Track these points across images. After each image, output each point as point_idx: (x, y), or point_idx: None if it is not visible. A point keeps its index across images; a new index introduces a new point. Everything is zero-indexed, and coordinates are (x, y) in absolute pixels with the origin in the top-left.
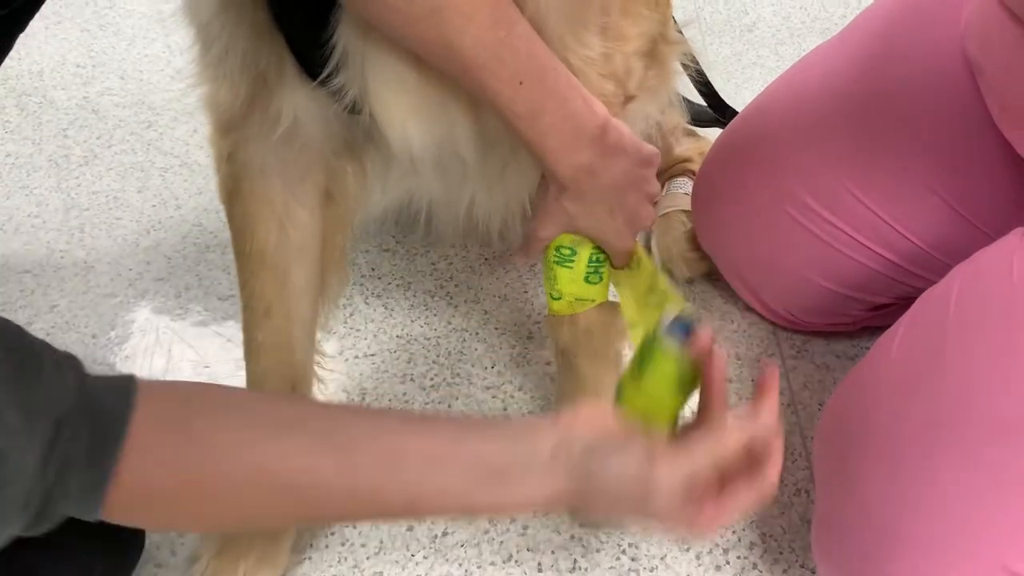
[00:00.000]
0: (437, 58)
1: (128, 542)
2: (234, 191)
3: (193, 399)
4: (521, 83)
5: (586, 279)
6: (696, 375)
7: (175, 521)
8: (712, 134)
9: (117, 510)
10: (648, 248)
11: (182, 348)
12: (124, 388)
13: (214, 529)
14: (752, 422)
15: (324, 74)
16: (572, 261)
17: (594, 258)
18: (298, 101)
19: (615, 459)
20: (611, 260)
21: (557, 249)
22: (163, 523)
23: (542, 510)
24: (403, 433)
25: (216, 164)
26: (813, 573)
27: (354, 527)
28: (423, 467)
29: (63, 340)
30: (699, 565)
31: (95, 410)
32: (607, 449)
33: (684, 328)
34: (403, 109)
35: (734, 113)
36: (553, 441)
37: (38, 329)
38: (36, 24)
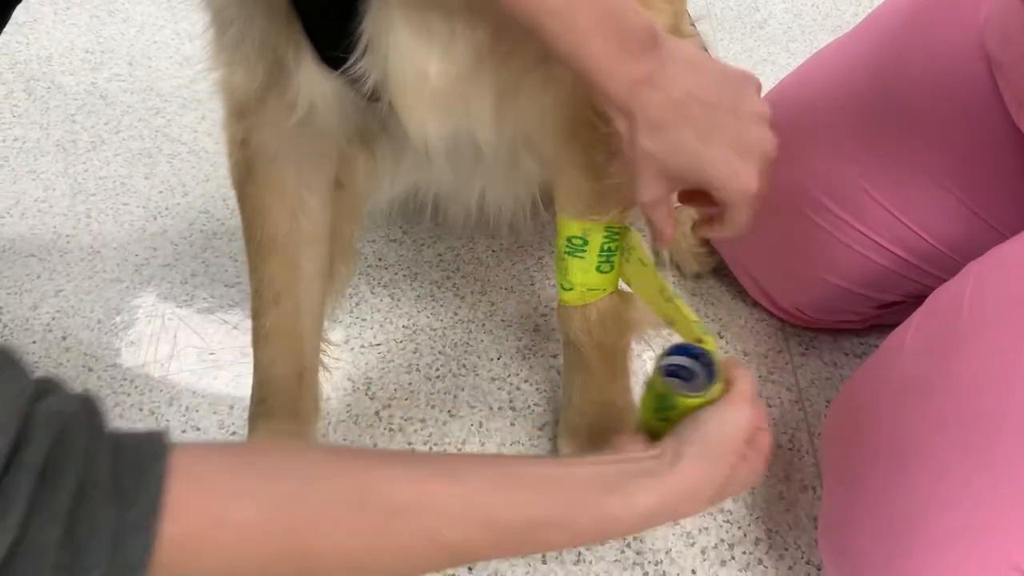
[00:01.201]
0: None
1: None
2: (246, 176)
3: (236, 447)
4: None
5: (598, 268)
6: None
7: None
8: None
9: (176, 560)
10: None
11: (188, 334)
12: (153, 433)
13: None
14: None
15: (349, 63)
16: (584, 251)
17: (606, 247)
18: (315, 87)
19: (713, 417)
20: (698, 226)
21: (568, 239)
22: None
23: (679, 512)
24: (508, 461)
25: (229, 149)
26: (819, 570)
27: None
28: (541, 487)
29: (68, 325)
30: (704, 560)
31: (116, 438)
32: (696, 420)
33: (689, 355)
34: (424, 98)
35: None
36: (640, 450)
37: (43, 313)
38: (45, 9)
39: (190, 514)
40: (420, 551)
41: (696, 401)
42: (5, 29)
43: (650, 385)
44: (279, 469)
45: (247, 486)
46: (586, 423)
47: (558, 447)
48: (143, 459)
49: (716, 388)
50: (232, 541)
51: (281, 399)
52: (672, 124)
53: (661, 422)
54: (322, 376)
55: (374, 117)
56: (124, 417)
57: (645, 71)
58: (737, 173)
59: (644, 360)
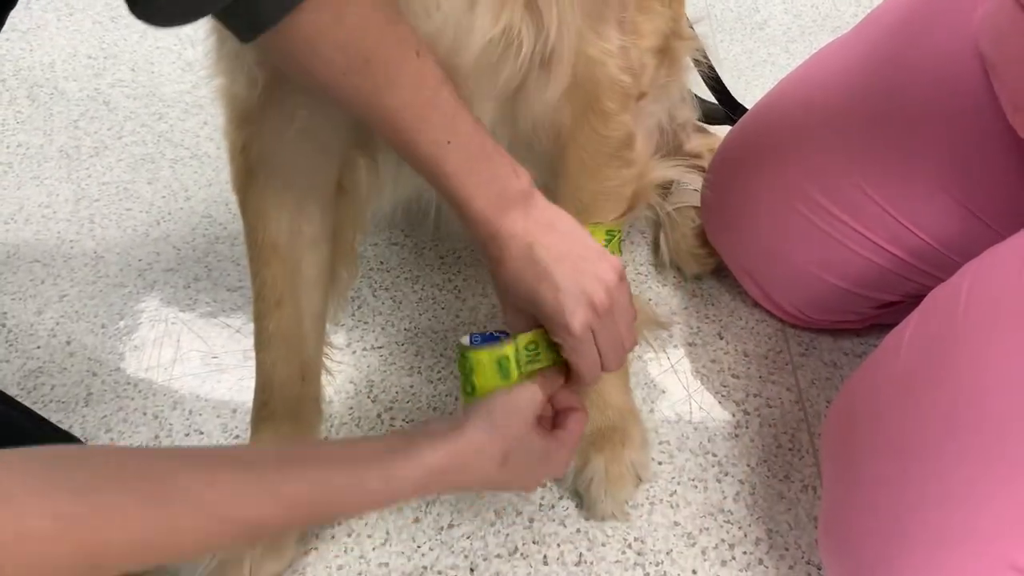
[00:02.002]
0: (363, 114)
1: None
2: (248, 182)
3: (39, 455)
4: (449, 142)
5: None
6: (510, 356)
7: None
8: (722, 131)
9: None
10: (656, 244)
11: (191, 338)
12: None
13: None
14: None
15: None
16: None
17: (606, 247)
18: (316, 95)
19: (502, 392)
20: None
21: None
22: None
23: (470, 470)
24: (296, 443)
25: (230, 155)
26: (819, 570)
27: (361, 518)
28: (327, 461)
29: (72, 329)
30: (705, 560)
31: None
32: (487, 396)
33: (482, 338)
34: None
35: (745, 110)
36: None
37: (48, 318)
38: (48, 16)
39: None
40: (216, 531)
41: (486, 355)
42: (9, 36)
43: (457, 361)
44: (75, 476)
45: (44, 498)
46: (587, 423)
47: None
48: None
49: (508, 348)
50: (30, 552)
51: (283, 402)
52: (518, 261)
53: (468, 395)
54: (324, 379)
55: None
56: (128, 421)
57: (510, 220)
58: (562, 309)
59: (644, 361)
